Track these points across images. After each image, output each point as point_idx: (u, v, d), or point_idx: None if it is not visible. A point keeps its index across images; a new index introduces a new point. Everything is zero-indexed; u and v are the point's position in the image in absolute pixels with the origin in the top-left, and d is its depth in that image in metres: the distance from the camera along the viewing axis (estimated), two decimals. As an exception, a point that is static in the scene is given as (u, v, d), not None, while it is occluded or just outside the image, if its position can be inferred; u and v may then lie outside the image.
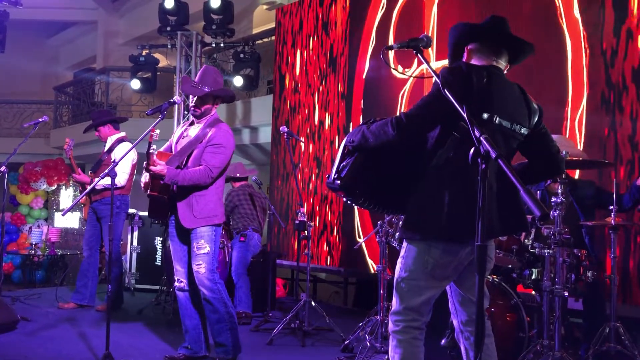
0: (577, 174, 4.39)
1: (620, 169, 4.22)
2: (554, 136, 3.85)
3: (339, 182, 2.32)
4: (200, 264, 3.51)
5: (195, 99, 3.57)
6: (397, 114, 2.29)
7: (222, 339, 3.57)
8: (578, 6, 4.54)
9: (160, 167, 3.35)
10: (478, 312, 1.69)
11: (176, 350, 3.80)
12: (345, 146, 2.35)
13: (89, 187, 4.14)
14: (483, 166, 1.62)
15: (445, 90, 1.93)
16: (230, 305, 3.61)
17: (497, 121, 2.20)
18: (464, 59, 2.38)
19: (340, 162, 2.35)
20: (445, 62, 4.88)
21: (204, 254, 3.52)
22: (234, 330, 3.61)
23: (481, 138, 1.64)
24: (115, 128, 5.61)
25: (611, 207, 3.56)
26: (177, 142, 3.66)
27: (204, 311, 3.63)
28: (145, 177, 3.51)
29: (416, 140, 2.29)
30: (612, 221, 3.53)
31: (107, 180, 4.93)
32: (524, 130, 2.32)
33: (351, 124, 6.51)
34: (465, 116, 1.78)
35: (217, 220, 3.59)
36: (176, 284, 3.68)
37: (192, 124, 3.70)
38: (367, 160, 2.32)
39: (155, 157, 3.39)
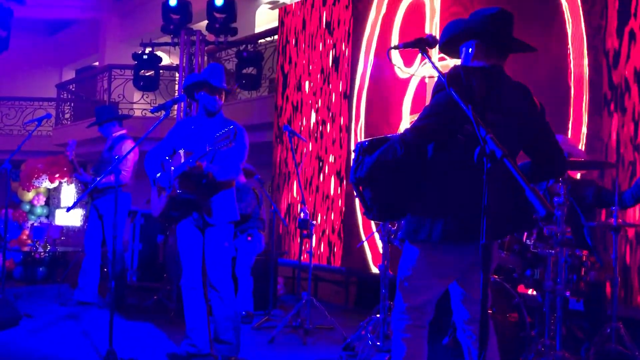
0: (578, 175, 4.40)
1: (622, 171, 4.23)
2: (557, 137, 3.88)
3: (376, 217, 2.46)
4: (218, 261, 3.55)
5: (216, 94, 3.63)
6: (401, 129, 2.31)
7: (228, 336, 3.59)
8: (581, 7, 4.55)
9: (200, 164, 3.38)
10: (482, 311, 1.71)
11: (179, 347, 3.81)
12: (357, 183, 2.38)
13: (92, 185, 4.16)
14: (488, 165, 1.63)
15: (452, 90, 1.94)
16: (237, 304, 3.64)
17: (501, 121, 2.20)
18: (471, 56, 2.35)
19: (364, 200, 2.40)
20: (447, 62, 4.90)
21: (222, 251, 3.57)
22: (238, 329, 3.64)
23: (487, 137, 1.65)
24: (119, 125, 5.63)
25: (613, 208, 3.56)
26: (187, 137, 3.66)
27: (210, 309, 3.65)
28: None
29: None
30: (614, 222, 3.54)
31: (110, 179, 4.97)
32: (528, 127, 2.33)
33: (353, 123, 6.52)
34: (470, 115, 1.79)
35: (238, 216, 3.68)
36: (185, 281, 3.67)
37: (195, 118, 3.71)
38: (383, 185, 2.36)
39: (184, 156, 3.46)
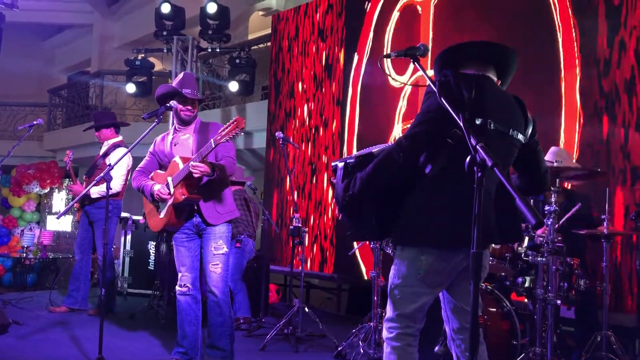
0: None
1: (612, 178, 4.25)
2: (554, 149, 3.91)
3: (368, 235, 2.45)
4: (217, 265, 3.54)
5: (189, 104, 3.62)
6: (393, 139, 2.29)
7: (222, 343, 3.57)
8: (573, 17, 4.59)
9: (204, 165, 3.36)
10: (472, 320, 1.70)
11: (169, 354, 3.79)
12: (349, 201, 2.29)
13: (83, 191, 4.14)
14: (479, 174, 1.63)
15: (442, 99, 1.94)
16: (231, 310, 3.65)
17: (492, 127, 2.19)
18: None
19: (354, 219, 2.34)
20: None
21: (222, 254, 3.56)
22: (233, 336, 3.63)
23: (477, 146, 1.65)
24: (116, 132, 5.61)
25: (603, 216, 3.58)
26: (172, 149, 3.65)
27: (202, 317, 3.63)
28: (161, 190, 3.49)
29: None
30: (605, 230, 3.56)
31: (102, 188, 4.94)
32: (521, 137, 2.33)
33: (346, 130, 6.53)
34: (461, 125, 1.79)
35: (236, 214, 3.69)
36: (179, 288, 3.63)
37: (173, 131, 3.70)
38: (377, 199, 2.30)
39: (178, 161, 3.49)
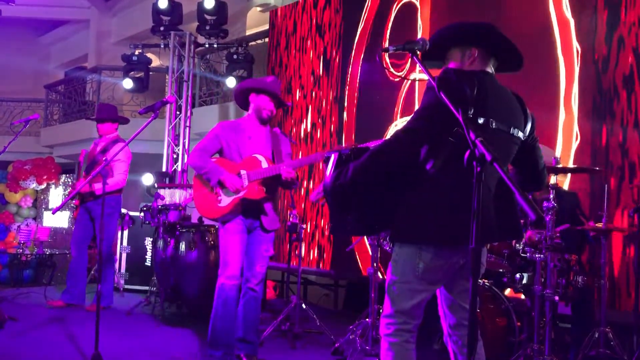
0: (567, 183, 4.43)
1: (611, 175, 4.25)
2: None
3: (355, 229, 2.44)
4: (264, 265, 3.67)
5: (273, 104, 3.70)
6: (389, 134, 2.26)
7: (253, 337, 3.70)
8: (571, 13, 4.58)
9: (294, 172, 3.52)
10: (471, 316, 1.69)
11: (167, 350, 3.76)
12: (337, 191, 2.24)
13: (78, 187, 4.11)
14: (478, 169, 1.62)
15: (442, 94, 1.92)
16: None
17: (493, 125, 2.18)
18: (467, 61, 2.32)
19: (339, 210, 2.32)
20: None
21: (268, 256, 3.71)
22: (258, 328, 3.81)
23: (476, 141, 1.64)
24: (116, 128, 5.60)
25: (601, 213, 3.58)
26: (244, 142, 3.65)
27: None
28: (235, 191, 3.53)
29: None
30: (603, 226, 3.56)
31: (108, 184, 4.96)
32: (520, 135, 2.32)
33: (344, 127, 6.51)
34: (461, 119, 1.78)
35: (278, 225, 3.78)
36: (229, 280, 3.53)
37: (245, 125, 3.70)
38: (367, 191, 2.26)
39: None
